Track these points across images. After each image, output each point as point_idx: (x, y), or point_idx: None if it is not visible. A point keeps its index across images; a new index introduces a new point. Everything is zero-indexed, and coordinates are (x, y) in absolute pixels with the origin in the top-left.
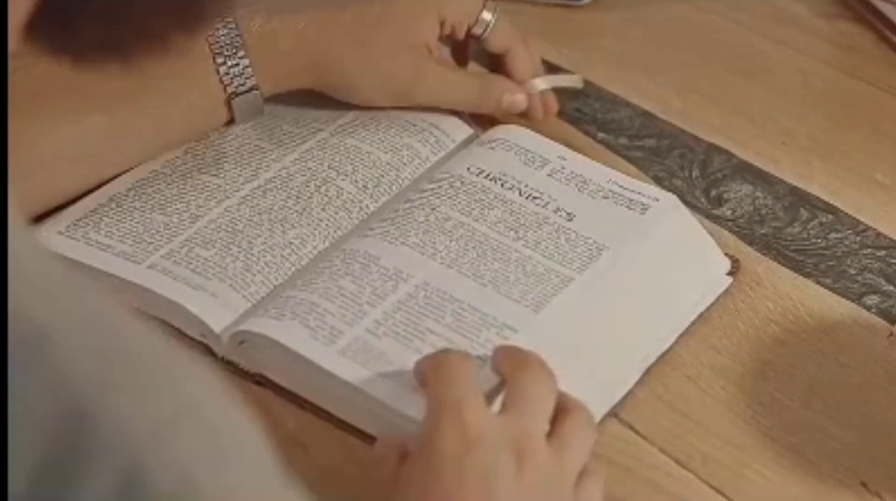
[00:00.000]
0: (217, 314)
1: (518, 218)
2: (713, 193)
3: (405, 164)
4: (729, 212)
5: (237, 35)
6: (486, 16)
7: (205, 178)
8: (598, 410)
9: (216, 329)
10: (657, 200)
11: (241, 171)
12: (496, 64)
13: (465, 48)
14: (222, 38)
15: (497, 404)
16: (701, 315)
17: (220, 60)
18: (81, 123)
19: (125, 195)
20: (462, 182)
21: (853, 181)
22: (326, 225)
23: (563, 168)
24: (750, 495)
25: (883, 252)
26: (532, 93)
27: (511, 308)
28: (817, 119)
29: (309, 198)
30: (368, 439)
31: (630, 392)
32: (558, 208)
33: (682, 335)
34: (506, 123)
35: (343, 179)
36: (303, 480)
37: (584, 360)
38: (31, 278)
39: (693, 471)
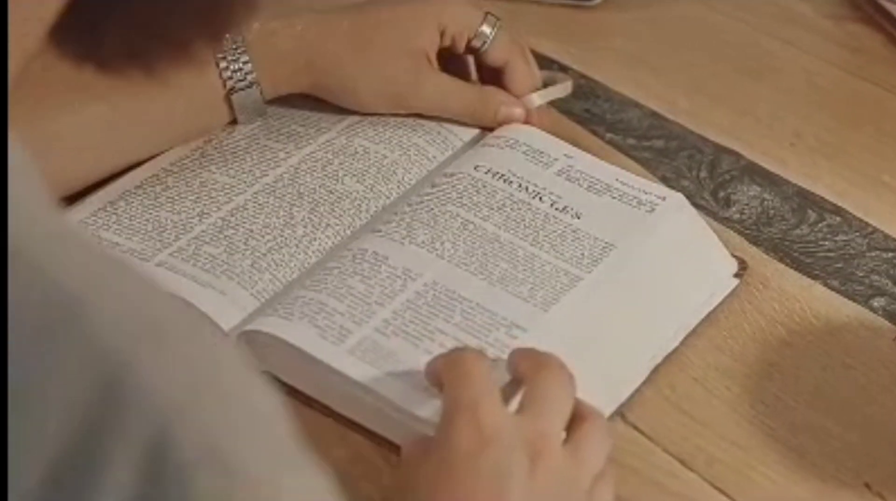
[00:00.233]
0: (225, 311)
1: (526, 217)
2: (721, 194)
3: (413, 163)
4: (737, 213)
5: (238, 34)
6: (486, 29)
7: (213, 176)
8: (605, 409)
9: (224, 327)
10: (664, 199)
11: (249, 170)
12: (495, 78)
13: (465, 62)
14: (226, 38)
15: (514, 404)
16: (707, 316)
17: (221, 57)
18: (82, 114)
19: (134, 193)
20: (470, 181)
21: (861, 183)
22: (334, 224)
23: (571, 167)
24: (753, 496)
25: (890, 254)
26: (529, 108)
27: (520, 307)
28: (825, 120)
29: (317, 197)
30: (375, 438)
31: (636, 392)
32: (566, 207)
33: (688, 336)
34: None
35: (351, 179)
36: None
37: (592, 359)
38: (64, 250)
39: (697, 472)
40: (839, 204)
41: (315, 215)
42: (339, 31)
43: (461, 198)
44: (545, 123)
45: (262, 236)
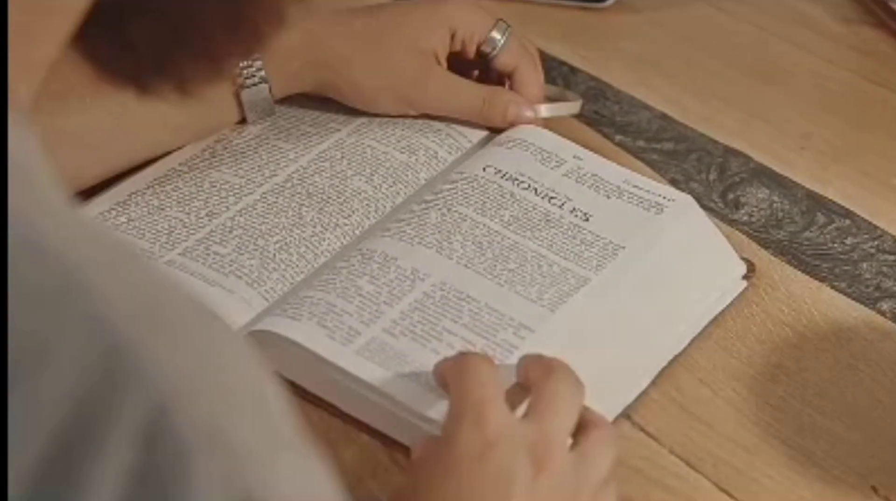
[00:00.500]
0: (233, 310)
1: (534, 218)
2: (730, 196)
3: (422, 164)
4: (745, 216)
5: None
6: (496, 34)
7: (223, 176)
8: (611, 411)
9: (231, 326)
10: (673, 200)
11: (258, 170)
12: (503, 85)
13: (474, 68)
14: None
15: (521, 409)
16: (715, 318)
17: None
18: (91, 112)
19: (143, 192)
20: (478, 182)
21: (870, 186)
22: (343, 224)
23: (580, 168)
24: (759, 497)
25: None
26: (537, 118)
27: (527, 308)
28: (835, 123)
29: (326, 197)
30: (383, 438)
31: (643, 394)
32: (574, 208)
33: (695, 338)
34: None
35: (360, 179)
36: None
37: (599, 360)
38: (71, 232)
39: (703, 473)
40: (848, 207)
41: (324, 216)
42: (350, 30)
43: (470, 199)
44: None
45: (271, 236)
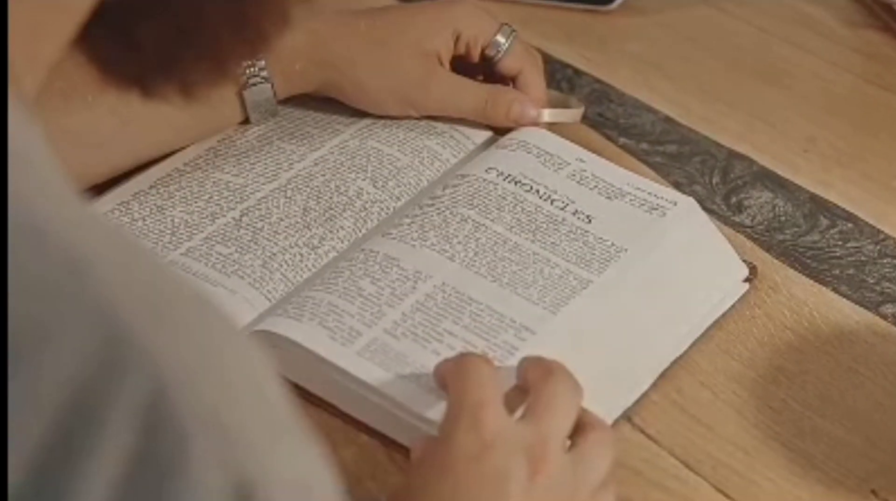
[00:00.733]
0: (235, 310)
1: (536, 220)
2: (733, 199)
3: (425, 166)
4: (748, 219)
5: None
6: (500, 39)
7: (226, 177)
8: (612, 412)
9: None
10: (675, 203)
11: (262, 170)
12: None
13: (479, 71)
14: None
15: (520, 411)
16: (717, 320)
17: None
18: (94, 110)
19: (147, 192)
20: (481, 184)
21: (874, 190)
22: (346, 226)
23: (583, 170)
24: (758, 500)
25: None
26: (540, 122)
27: (529, 310)
28: (839, 127)
29: (329, 198)
30: (382, 438)
31: (643, 396)
32: (577, 211)
33: (697, 340)
34: None
35: (363, 181)
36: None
37: (600, 362)
38: (76, 221)
39: (703, 475)
40: (851, 211)
41: (328, 217)
42: (354, 30)
43: (472, 200)
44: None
45: (274, 237)
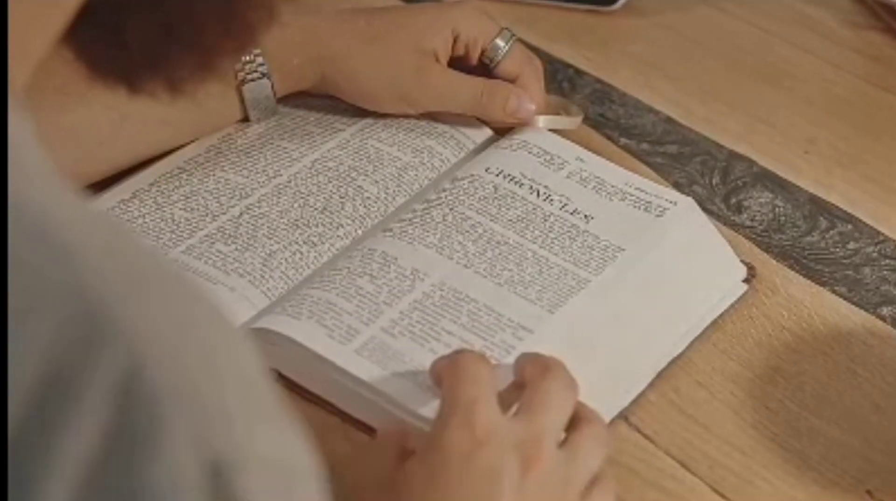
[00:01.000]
0: (235, 308)
1: (535, 219)
2: (733, 200)
3: (425, 165)
4: (748, 219)
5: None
6: (500, 42)
7: (227, 175)
8: (609, 412)
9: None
10: (675, 203)
11: (262, 169)
12: None
13: (475, 74)
14: None
15: (515, 408)
16: (715, 321)
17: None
18: (93, 108)
19: (147, 191)
20: (481, 183)
21: (874, 191)
22: (346, 224)
23: (582, 170)
24: (754, 500)
25: None
26: (536, 122)
27: (526, 309)
28: (841, 128)
29: (329, 197)
30: None
31: (641, 395)
32: (576, 210)
33: (695, 340)
34: None
35: (363, 179)
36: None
37: (598, 362)
38: (60, 206)
39: (699, 475)
40: (851, 212)
41: (327, 216)
42: (353, 27)
43: (472, 200)
44: None
45: (274, 235)
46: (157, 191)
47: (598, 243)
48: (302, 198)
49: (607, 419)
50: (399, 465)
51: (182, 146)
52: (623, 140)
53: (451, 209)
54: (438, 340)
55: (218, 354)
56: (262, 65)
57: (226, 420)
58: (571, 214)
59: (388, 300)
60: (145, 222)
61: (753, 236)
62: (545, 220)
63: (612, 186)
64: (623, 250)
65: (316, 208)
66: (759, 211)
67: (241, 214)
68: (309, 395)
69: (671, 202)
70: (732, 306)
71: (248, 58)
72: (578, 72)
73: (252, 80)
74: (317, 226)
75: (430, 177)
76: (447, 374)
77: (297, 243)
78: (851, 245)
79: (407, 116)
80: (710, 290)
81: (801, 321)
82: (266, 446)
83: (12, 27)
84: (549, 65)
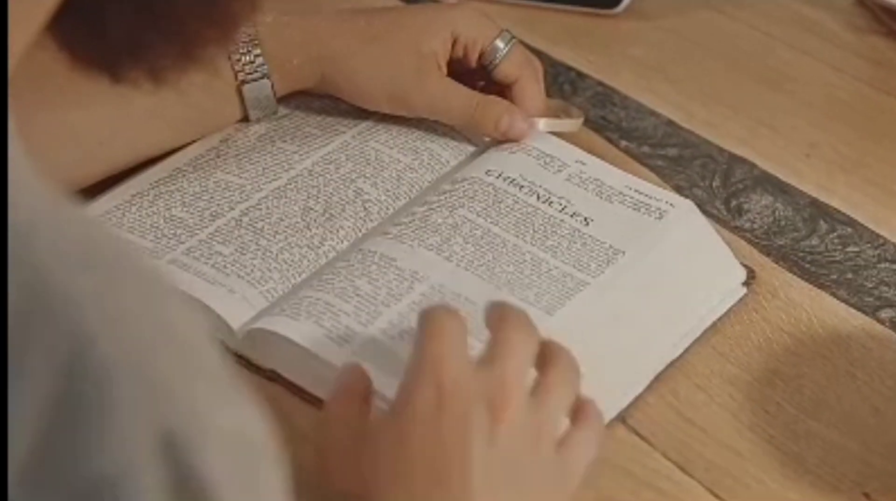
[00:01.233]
0: (234, 309)
1: (535, 222)
2: (733, 203)
3: (425, 167)
4: (748, 223)
5: (251, 26)
6: (500, 44)
7: (227, 177)
8: (607, 414)
9: (233, 324)
10: (674, 206)
11: (263, 171)
12: (503, 97)
13: (474, 76)
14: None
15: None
16: (714, 324)
17: (233, 48)
18: (94, 107)
19: (147, 193)
20: (480, 185)
21: (875, 195)
22: (346, 226)
23: (582, 173)
24: None
25: None
26: (532, 131)
27: (525, 311)
28: (843, 132)
29: (329, 199)
30: None
31: (639, 398)
32: (575, 213)
33: (693, 343)
34: None
35: (363, 182)
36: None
37: (596, 364)
38: (27, 185)
39: (696, 477)
40: (852, 215)
41: (326, 218)
42: (352, 27)
43: (471, 202)
44: None
45: (274, 237)
46: (158, 192)
47: (598, 245)
48: (302, 200)
49: (606, 420)
50: (365, 427)
51: (182, 147)
52: (624, 143)
53: (450, 212)
54: None
55: (165, 325)
56: (262, 65)
57: (178, 393)
58: (571, 216)
59: (386, 302)
60: (146, 223)
61: (753, 239)
62: (545, 222)
63: (612, 189)
64: (622, 252)
65: (316, 211)
66: (759, 214)
67: (241, 215)
68: (307, 395)
69: (671, 205)
70: (732, 309)
71: (248, 58)
72: (580, 75)
73: (252, 80)
74: (316, 228)
75: (430, 179)
76: (419, 329)
77: (297, 244)
78: (851, 248)
79: (408, 119)
80: (710, 293)
81: (800, 324)
82: (221, 418)
83: None
84: (550, 67)
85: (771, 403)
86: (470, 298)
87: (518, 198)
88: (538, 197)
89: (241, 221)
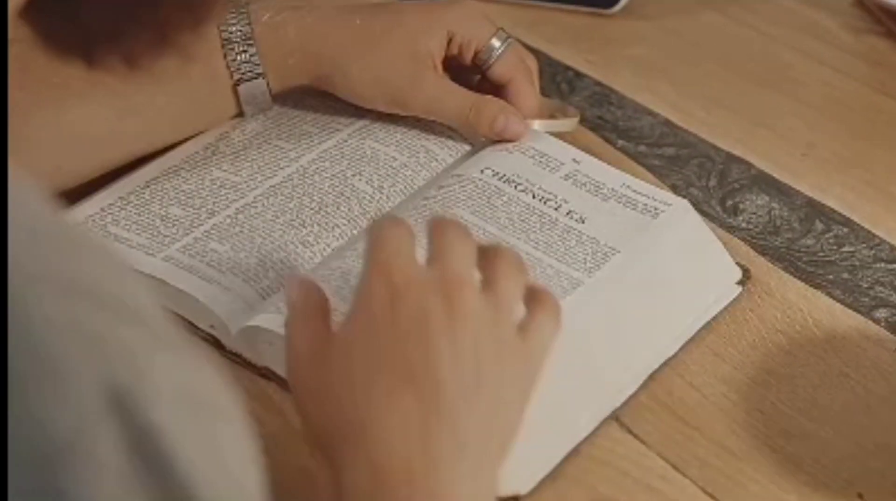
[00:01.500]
0: (228, 306)
1: (530, 220)
2: (729, 202)
3: (421, 165)
4: (744, 222)
5: (248, 25)
6: (496, 43)
7: (223, 175)
8: (601, 413)
9: (227, 322)
10: (669, 205)
11: (259, 169)
12: (498, 97)
13: (468, 78)
14: (234, 29)
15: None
16: (708, 323)
17: (229, 48)
18: (90, 105)
19: (143, 190)
20: (475, 184)
21: (871, 195)
22: (342, 224)
23: (577, 172)
24: None
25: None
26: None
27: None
28: (840, 133)
29: (324, 197)
30: None
31: (633, 397)
32: (570, 211)
33: (688, 342)
34: None
35: (359, 179)
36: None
37: (590, 362)
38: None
39: (690, 477)
40: (848, 215)
41: (322, 216)
42: (349, 25)
43: (467, 201)
44: None
45: (269, 235)
46: (153, 190)
47: (593, 243)
48: (298, 198)
49: (599, 419)
50: (327, 334)
51: (178, 144)
52: (621, 142)
53: (445, 210)
54: None
55: (112, 288)
56: (257, 65)
57: (121, 350)
58: (566, 215)
59: None
60: (141, 220)
61: (749, 238)
62: (539, 221)
63: (608, 188)
64: (617, 251)
65: (311, 208)
66: (755, 214)
67: (236, 213)
68: None
69: (666, 204)
70: (727, 308)
71: (243, 57)
72: (578, 74)
73: (247, 79)
74: (312, 226)
75: (426, 177)
76: (366, 241)
77: (292, 242)
78: (847, 248)
79: (404, 117)
80: (705, 292)
81: (795, 323)
82: (169, 373)
83: None
84: (548, 67)
85: (765, 402)
86: None
87: (513, 196)
88: (533, 195)
89: (236, 218)
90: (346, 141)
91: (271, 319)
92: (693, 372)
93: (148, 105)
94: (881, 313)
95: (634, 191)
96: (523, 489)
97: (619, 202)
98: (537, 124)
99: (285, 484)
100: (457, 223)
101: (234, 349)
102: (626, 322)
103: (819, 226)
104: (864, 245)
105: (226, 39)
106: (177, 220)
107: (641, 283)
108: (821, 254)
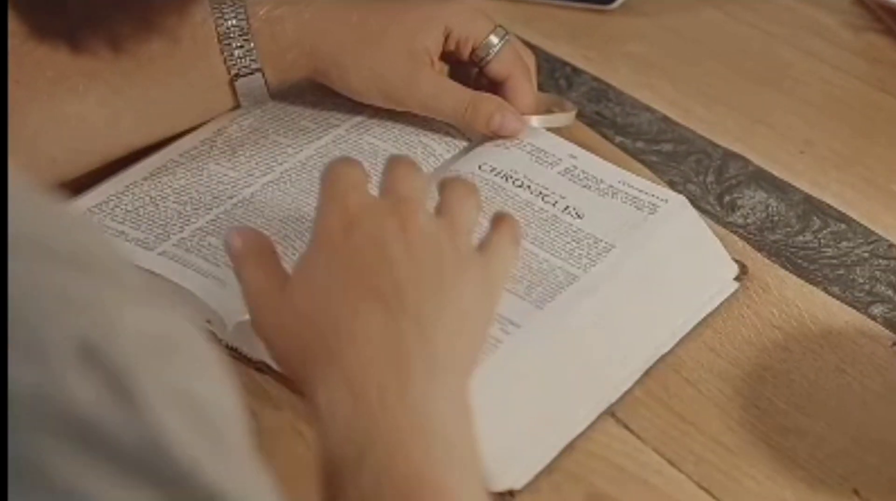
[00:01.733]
0: (225, 300)
1: (527, 216)
2: (726, 199)
3: (419, 161)
4: (741, 218)
5: (244, 19)
6: (493, 39)
7: (221, 169)
8: (596, 408)
9: (223, 316)
10: (666, 201)
11: (256, 163)
12: (495, 93)
13: (467, 71)
14: (231, 23)
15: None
16: (705, 319)
17: (226, 42)
18: (87, 98)
19: (140, 184)
20: (473, 179)
21: (869, 192)
22: None
23: (575, 167)
24: (740, 498)
25: (893, 262)
26: (524, 129)
27: (515, 304)
28: (838, 129)
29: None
30: None
31: (628, 392)
32: (567, 207)
33: (684, 338)
34: None
35: None
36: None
37: (586, 358)
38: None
39: (685, 472)
40: (845, 212)
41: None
42: (345, 21)
43: None
44: None
45: (267, 229)
46: (151, 184)
47: (589, 239)
48: (295, 193)
49: (595, 415)
50: (280, 269)
51: (176, 138)
52: (618, 138)
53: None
54: None
55: (77, 248)
56: (254, 60)
57: (92, 306)
58: (563, 210)
59: None
60: (138, 214)
61: (746, 234)
62: (536, 217)
63: (605, 184)
64: (614, 246)
65: (309, 204)
66: (752, 210)
67: (233, 208)
68: (295, 386)
69: (663, 200)
70: (723, 304)
71: (240, 52)
72: (576, 70)
73: (245, 74)
74: (309, 221)
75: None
76: (320, 181)
77: (289, 237)
78: (844, 245)
79: (402, 112)
80: (701, 287)
81: (791, 319)
82: (138, 321)
83: None
84: (546, 63)
85: (761, 398)
86: None
87: (510, 192)
88: (531, 191)
89: (233, 213)
90: (343, 136)
91: None
92: (689, 368)
93: (144, 98)
94: (878, 309)
95: (632, 187)
96: (519, 483)
97: (617, 198)
98: (534, 120)
99: (282, 478)
100: (407, 159)
101: (230, 343)
102: (622, 318)
103: (816, 222)
104: (862, 241)
105: (223, 34)
106: (174, 214)
107: (638, 278)
108: (818, 250)
